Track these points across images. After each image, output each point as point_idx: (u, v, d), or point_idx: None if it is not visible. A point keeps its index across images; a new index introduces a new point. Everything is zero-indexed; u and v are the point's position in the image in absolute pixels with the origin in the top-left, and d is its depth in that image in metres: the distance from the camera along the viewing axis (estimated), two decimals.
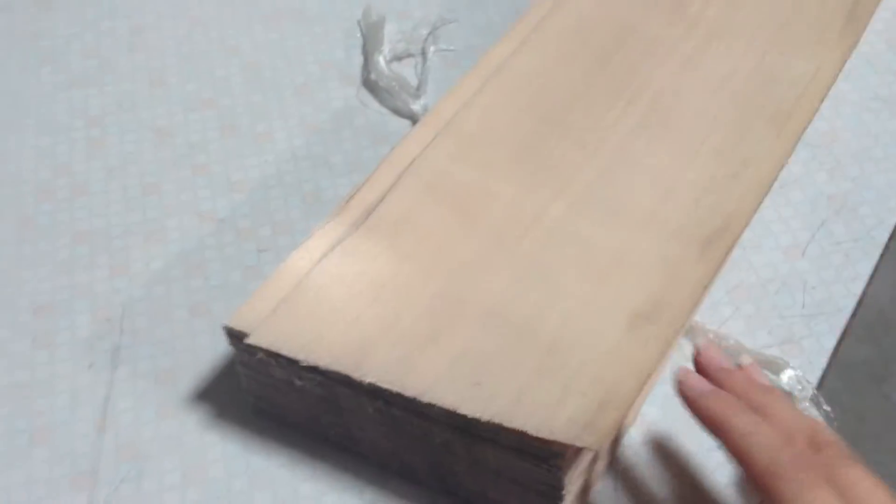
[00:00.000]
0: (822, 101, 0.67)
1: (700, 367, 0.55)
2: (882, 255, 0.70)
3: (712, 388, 0.52)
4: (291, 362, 0.56)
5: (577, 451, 0.52)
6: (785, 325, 0.66)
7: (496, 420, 0.51)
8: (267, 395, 0.62)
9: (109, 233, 0.74)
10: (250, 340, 0.57)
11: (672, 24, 0.73)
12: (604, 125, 0.67)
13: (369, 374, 0.55)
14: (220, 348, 0.67)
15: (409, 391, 0.54)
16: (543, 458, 0.52)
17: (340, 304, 0.59)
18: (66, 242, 0.74)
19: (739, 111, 0.67)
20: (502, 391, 0.53)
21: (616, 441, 0.60)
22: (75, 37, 0.89)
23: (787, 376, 0.61)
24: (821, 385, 0.63)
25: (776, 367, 0.61)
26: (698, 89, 0.69)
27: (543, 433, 0.51)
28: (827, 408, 0.60)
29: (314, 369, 0.56)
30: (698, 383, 0.52)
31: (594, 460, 0.56)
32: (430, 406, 0.53)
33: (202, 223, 0.75)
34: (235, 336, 0.58)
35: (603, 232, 0.61)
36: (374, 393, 0.55)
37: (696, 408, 0.51)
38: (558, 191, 0.63)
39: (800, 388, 0.60)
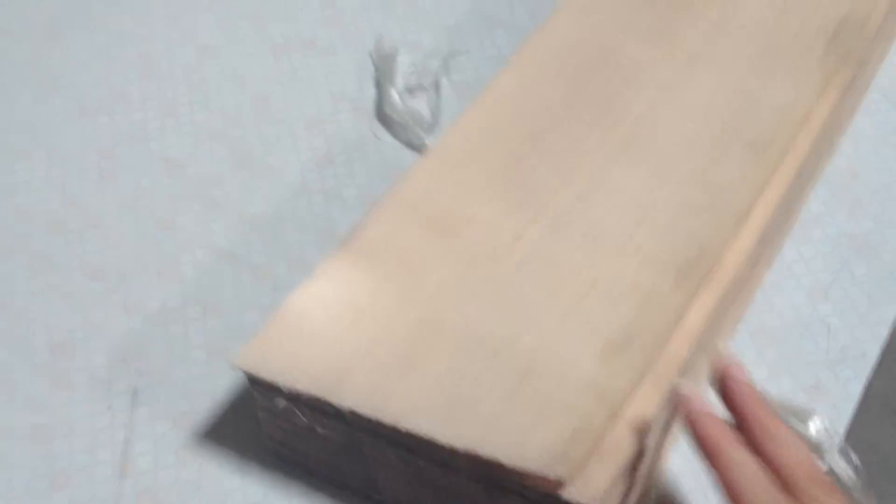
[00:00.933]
0: (801, 128, 0.66)
1: (727, 390, 0.53)
2: None
3: (714, 414, 0.52)
4: (311, 407, 0.56)
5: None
6: (810, 371, 0.65)
7: (470, 449, 0.51)
8: (288, 441, 0.61)
9: (123, 268, 0.74)
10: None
11: (654, 48, 0.73)
12: (583, 149, 0.66)
13: (347, 399, 0.54)
14: (239, 390, 0.66)
15: (387, 418, 0.53)
16: None
17: (319, 328, 0.58)
18: (79, 278, 0.73)
19: (718, 137, 0.66)
20: (476, 419, 0.53)
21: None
22: (85, 65, 0.88)
23: (814, 426, 0.60)
24: (848, 434, 0.62)
25: (803, 415, 0.60)
26: (678, 114, 0.68)
27: (515, 462, 0.51)
28: (856, 459, 0.60)
29: (337, 416, 0.55)
30: (701, 403, 0.52)
31: None
32: (453, 455, 0.52)
33: (217, 259, 0.74)
34: (254, 381, 0.58)
35: (578, 256, 0.61)
36: (399, 442, 0.55)
37: (696, 427, 0.51)
38: (535, 214, 0.63)
39: (828, 438, 0.60)
